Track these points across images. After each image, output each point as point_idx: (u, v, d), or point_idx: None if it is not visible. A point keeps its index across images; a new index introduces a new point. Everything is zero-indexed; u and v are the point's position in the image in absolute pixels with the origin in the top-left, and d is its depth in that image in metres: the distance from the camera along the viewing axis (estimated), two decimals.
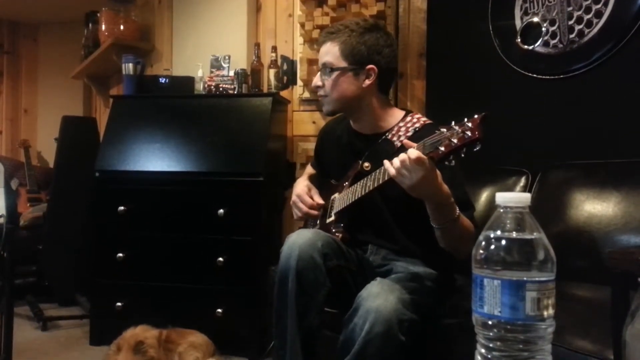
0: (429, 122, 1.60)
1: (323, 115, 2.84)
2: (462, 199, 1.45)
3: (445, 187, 1.32)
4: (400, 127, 1.59)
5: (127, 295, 2.49)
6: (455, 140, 1.17)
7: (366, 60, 1.57)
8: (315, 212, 1.71)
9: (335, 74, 1.58)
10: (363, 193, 1.49)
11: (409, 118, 1.61)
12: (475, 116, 1.17)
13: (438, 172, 1.29)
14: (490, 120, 1.17)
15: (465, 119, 1.18)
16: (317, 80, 1.64)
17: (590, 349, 1.18)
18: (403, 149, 1.31)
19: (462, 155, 1.20)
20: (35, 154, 4.47)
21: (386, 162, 1.32)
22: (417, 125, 1.57)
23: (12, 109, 4.70)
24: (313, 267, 1.40)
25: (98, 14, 3.56)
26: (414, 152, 1.23)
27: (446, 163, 1.24)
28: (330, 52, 1.59)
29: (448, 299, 1.54)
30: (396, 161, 1.27)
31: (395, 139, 1.58)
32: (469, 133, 1.16)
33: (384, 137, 1.60)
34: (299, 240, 1.43)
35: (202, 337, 2.17)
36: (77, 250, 2.99)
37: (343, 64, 1.57)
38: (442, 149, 1.20)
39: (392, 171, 1.29)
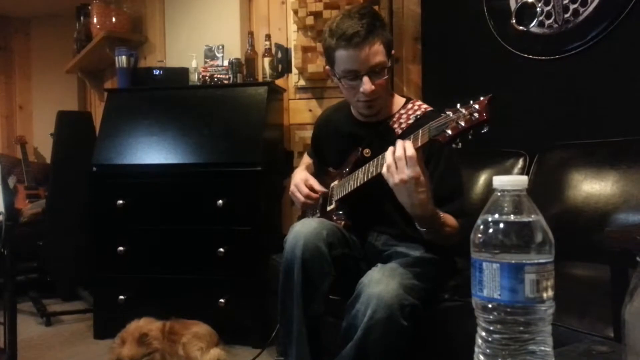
0: (430, 109, 1.59)
1: (319, 103, 2.84)
2: (453, 188, 1.48)
3: (430, 207, 1.33)
4: (402, 114, 1.59)
5: (129, 288, 2.50)
6: (462, 123, 1.16)
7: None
8: (311, 201, 1.70)
9: (386, 72, 1.53)
10: (365, 179, 1.48)
11: (410, 105, 1.61)
12: (482, 98, 1.15)
13: (425, 191, 1.28)
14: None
15: (471, 101, 1.16)
16: (370, 86, 1.49)
17: (590, 328, 1.19)
18: (403, 136, 1.30)
19: (470, 138, 1.18)
20: (32, 150, 4.45)
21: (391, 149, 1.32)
22: (419, 112, 1.57)
23: (7, 105, 4.67)
24: (319, 257, 1.41)
25: (89, 7, 3.52)
26: (408, 146, 1.25)
27: (453, 145, 1.22)
28: (379, 52, 1.48)
29: (448, 282, 1.55)
30: (389, 157, 1.28)
31: (396, 126, 1.57)
32: (476, 115, 1.14)
33: (384, 123, 1.60)
34: (303, 230, 1.43)
35: (205, 328, 2.19)
36: (78, 245, 2.99)
37: (387, 59, 1.52)
38: (449, 132, 1.18)
39: (384, 170, 1.30)
